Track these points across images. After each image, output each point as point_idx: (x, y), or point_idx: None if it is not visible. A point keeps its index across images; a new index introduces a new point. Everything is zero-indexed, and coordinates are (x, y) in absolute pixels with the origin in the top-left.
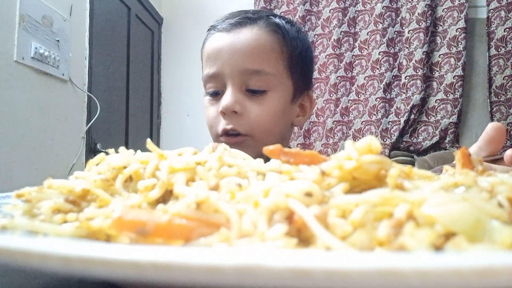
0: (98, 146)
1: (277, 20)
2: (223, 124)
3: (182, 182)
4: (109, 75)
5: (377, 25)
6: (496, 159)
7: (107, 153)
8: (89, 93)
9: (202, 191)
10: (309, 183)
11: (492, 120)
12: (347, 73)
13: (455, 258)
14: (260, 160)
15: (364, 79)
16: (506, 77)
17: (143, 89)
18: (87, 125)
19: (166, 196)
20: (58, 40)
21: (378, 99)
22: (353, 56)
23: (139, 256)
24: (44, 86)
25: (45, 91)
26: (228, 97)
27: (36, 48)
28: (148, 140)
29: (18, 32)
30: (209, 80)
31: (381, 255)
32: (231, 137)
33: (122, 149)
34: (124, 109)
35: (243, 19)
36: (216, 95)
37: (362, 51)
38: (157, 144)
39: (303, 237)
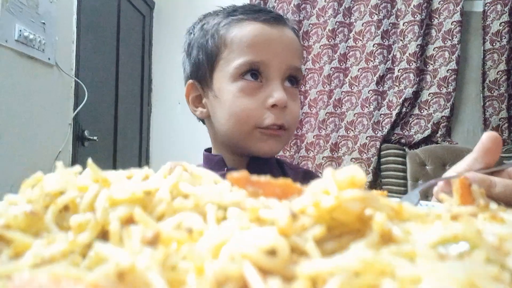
0: (86, 133)
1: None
2: (270, 118)
3: (117, 223)
4: (97, 60)
5: (372, 16)
6: (493, 171)
7: (95, 140)
8: (76, 79)
9: (125, 257)
10: (273, 235)
11: (485, 115)
12: (341, 64)
13: None
14: (226, 185)
15: (358, 71)
16: (500, 72)
17: (133, 75)
18: (74, 112)
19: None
20: (44, 23)
21: (371, 92)
22: (348, 47)
23: None
24: (28, 71)
25: (30, 76)
26: (281, 91)
27: (20, 30)
28: (89, 160)
29: (1, 13)
30: (248, 67)
31: None
32: (276, 130)
33: (60, 165)
34: (113, 95)
35: (277, 16)
36: (253, 80)
37: (357, 42)
38: (147, 131)
39: None
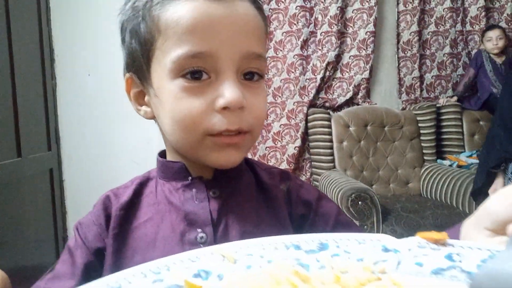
0: None
1: None
2: (222, 122)
3: None
4: None
5: None
6: None
7: None
8: None
9: None
10: None
11: (399, 75)
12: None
13: None
14: None
15: (282, 35)
16: (412, 33)
17: (31, 46)
18: None
19: None
20: None
21: (296, 56)
22: (270, 10)
23: None
24: None
25: None
26: (234, 89)
27: None
28: None
29: None
30: (190, 60)
31: None
32: (232, 136)
33: None
34: (8, 72)
35: None
36: (196, 79)
37: (279, 5)
38: (54, 109)
39: None
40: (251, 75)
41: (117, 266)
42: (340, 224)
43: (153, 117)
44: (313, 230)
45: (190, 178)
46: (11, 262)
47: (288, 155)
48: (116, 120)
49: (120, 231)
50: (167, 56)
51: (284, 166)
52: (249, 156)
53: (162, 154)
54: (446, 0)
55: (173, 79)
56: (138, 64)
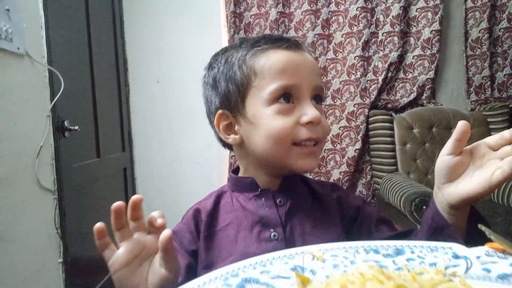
0: (66, 123)
1: None
2: (306, 133)
3: None
4: (69, 44)
5: None
6: None
7: (76, 130)
8: (50, 67)
9: None
10: None
11: (468, 74)
12: (324, 30)
13: None
14: None
15: (342, 36)
16: (482, 30)
17: (107, 56)
18: (51, 103)
19: None
20: (8, 10)
21: (357, 58)
22: (330, 12)
23: None
24: None
25: None
26: (314, 109)
27: None
28: None
29: None
30: (282, 91)
31: None
32: (311, 147)
33: None
34: (89, 80)
35: (296, 42)
36: (287, 102)
37: (339, 7)
38: (127, 113)
39: None
40: (318, 99)
41: (209, 260)
42: (381, 220)
43: (240, 143)
44: (361, 228)
45: (259, 189)
46: (89, 252)
47: (348, 157)
48: (182, 124)
49: (208, 233)
50: (264, 90)
51: (343, 168)
52: None
53: (234, 172)
54: None
55: (269, 105)
56: (234, 101)
